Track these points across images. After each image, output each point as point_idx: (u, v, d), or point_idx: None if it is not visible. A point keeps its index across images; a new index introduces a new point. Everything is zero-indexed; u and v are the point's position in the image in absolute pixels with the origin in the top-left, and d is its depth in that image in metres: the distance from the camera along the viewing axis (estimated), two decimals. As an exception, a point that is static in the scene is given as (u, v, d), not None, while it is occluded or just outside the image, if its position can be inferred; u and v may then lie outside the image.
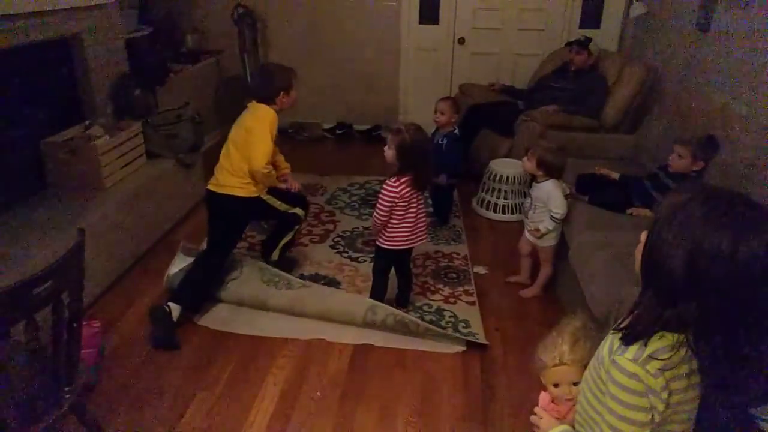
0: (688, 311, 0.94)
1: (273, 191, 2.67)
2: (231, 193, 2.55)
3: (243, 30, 4.66)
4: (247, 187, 2.55)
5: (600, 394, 1.05)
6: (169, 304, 2.42)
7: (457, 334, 2.41)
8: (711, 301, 0.93)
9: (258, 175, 2.51)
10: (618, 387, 1.00)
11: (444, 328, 2.50)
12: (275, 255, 2.82)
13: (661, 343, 0.97)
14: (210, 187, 2.63)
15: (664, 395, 0.97)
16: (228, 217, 2.63)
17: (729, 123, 2.61)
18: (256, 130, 2.51)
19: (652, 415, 0.99)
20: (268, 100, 2.59)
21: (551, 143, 2.67)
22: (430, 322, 2.54)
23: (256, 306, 2.61)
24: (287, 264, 2.89)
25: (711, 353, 0.94)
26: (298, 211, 2.76)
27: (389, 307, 2.45)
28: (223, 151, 2.63)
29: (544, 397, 1.40)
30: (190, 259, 2.66)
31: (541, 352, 1.37)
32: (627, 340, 1.01)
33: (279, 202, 2.68)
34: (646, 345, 0.98)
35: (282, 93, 2.59)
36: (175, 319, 2.40)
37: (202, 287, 2.57)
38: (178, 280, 2.57)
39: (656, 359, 0.96)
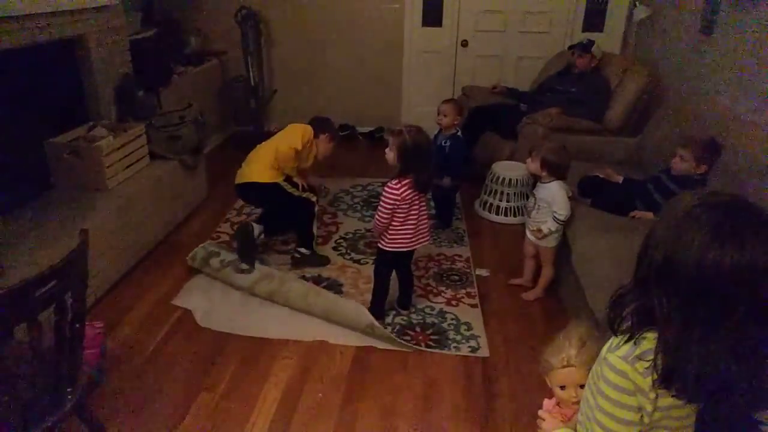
0: (656, 300, 0.96)
1: (288, 181, 3.03)
2: (251, 180, 2.94)
3: (246, 32, 4.67)
4: (267, 172, 2.93)
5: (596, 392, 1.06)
6: (253, 224, 2.92)
7: (458, 353, 2.38)
8: (678, 296, 0.94)
9: (280, 156, 2.92)
10: (607, 384, 1.00)
11: (445, 330, 2.50)
12: (314, 245, 3.04)
13: (652, 344, 0.98)
14: (236, 181, 3.02)
15: (652, 395, 0.97)
16: (259, 200, 3.12)
17: (733, 126, 2.60)
18: (289, 131, 3.03)
19: (641, 416, 0.99)
20: (314, 130, 3.09)
21: (555, 143, 2.67)
22: (432, 324, 2.55)
23: (274, 286, 2.67)
24: (322, 261, 3.03)
25: (672, 345, 0.94)
26: (309, 195, 3.03)
27: (386, 331, 2.43)
28: (259, 148, 3.04)
29: (548, 401, 1.40)
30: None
31: (548, 354, 1.37)
32: (614, 331, 1.03)
33: (293, 188, 3.01)
34: (636, 344, 0.99)
35: (327, 134, 3.13)
36: (256, 238, 2.90)
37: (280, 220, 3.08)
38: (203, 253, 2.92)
39: (644, 360, 0.97)
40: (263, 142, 3.08)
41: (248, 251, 2.85)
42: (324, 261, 3.04)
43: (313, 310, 2.57)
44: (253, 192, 3.00)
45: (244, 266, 2.79)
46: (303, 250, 3.02)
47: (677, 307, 0.94)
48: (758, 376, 0.94)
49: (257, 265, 2.83)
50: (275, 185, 2.95)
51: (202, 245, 2.96)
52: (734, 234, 0.89)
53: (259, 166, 2.95)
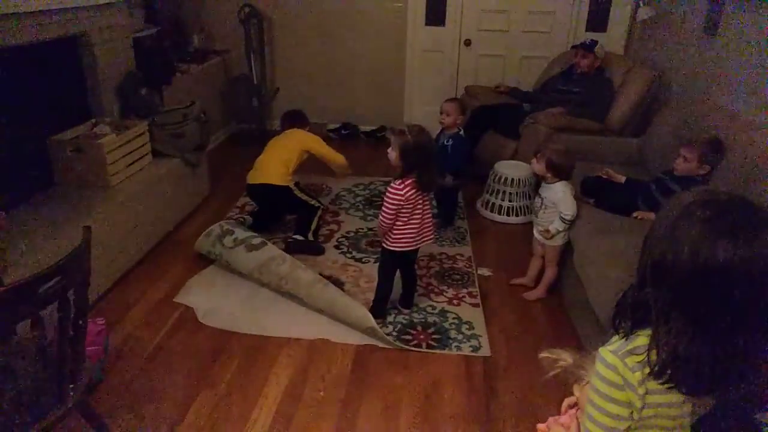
0: (652, 297, 0.96)
1: (297, 186, 3.28)
2: (267, 182, 3.16)
3: (249, 30, 4.67)
4: (281, 177, 3.17)
5: None
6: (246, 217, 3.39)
7: (460, 352, 2.39)
8: (672, 292, 0.94)
9: (338, 161, 3.44)
10: (598, 378, 1.01)
11: (447, 330, 2.50)
12: (309, 236, 3.17)
13: (645, 340, 0.98)
14: (250, 181, 3.24)
15: (641, 390, 0.98)
16: (268, 201, 3.29)
17: (736, 127, 2.60)
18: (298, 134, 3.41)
19: (631, 412, 0.99)
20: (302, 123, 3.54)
21: (560, 145, 2.67)
22: (434, 324, 2.55)
23: (284, 270, 2.68)
24: (317, 248, 3.13)
25: (666, 340, 0.94)
26: (315, 203, 3.27)
27: (387, 337, 2.42)
28: (269, 152, 3.29)
29: (554, 420, 1.39)
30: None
31: (584, 363, 1.36)
32: (615, 329, 1.04)
33: (301, 193, 3.24)
34: (628, 340, 1.00)
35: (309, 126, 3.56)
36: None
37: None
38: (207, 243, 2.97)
39: (635, 354, 0.97)
40: (272, 144, 3.32)
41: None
42: (319, 249, 3.11)
43: (317, 303, 2.57)
44: (266, 193, 3.21)
45: (257, 241, 2.83)
46: (298, 237, 3.12)
47: (671, 303, 0.94)
48: (754, 374, 0.95)
49: (270, 245, 2.84)
50: (287, 189, 3.19)
51: (218, 223, 2.99)
52: (728, 230, 0.89)
53: (275, 170, 3.18)
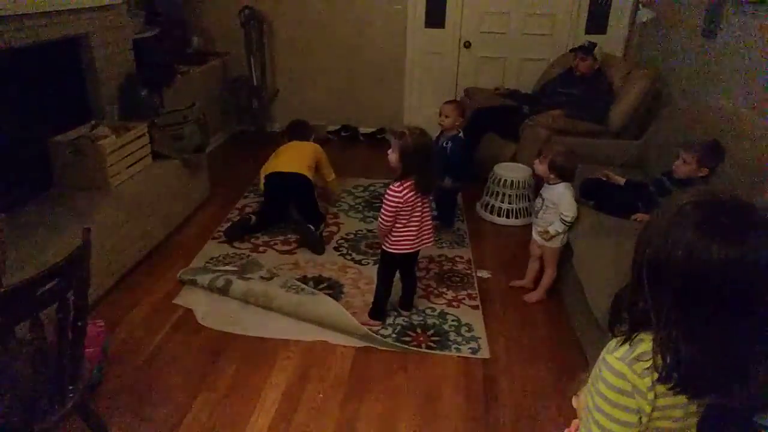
0: (650, 299, 0.95)
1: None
2: (299, 171, 3.29)
3: (249, 32, 4.68)
4: (309, 172, 3.36)
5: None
6: (251, 215, 3.41)
7: (459, 354, 2.39)
8: (670, 294, 0.93)
9: (333, 182, 3.67)
10: (606, 385, 1.00)
11: (446, 332, 2.50)
12: (320, 230, 3.28)
13: (649, 345, 0.98)
14: (278, 169, 3.32)
15: (650, 396, 0.97)
16: (292, 191, 3.34)
17: (735, 130, 2.60)
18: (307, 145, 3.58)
19: (639, 417, 0.99)
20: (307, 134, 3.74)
21: (563, 146, 2.68)
22: (433, 326, 2.55)
23: (261, 303, 2.62)
24: (321, 246, 3.18)
25: (667, 343, 0.93)
26: (323, 212, 3.48)
27: (383, 339, 2.42)
28: (291, 154, 3.42)
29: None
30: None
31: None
32: (612, 332, 1.04)
33: (317, 198, 3.43)
34: (632, 345, 0.99)
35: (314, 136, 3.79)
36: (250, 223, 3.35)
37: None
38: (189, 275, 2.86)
39: (642, 361, 0.97)
40: (290, 149, 3.45)
41: (235, 231, 3.24)
42: (320, 247, 3.14)
43: (308, 320, 2.55)
44: (291, 183, 3.29)
45: (221, 283, 2.71)
46: (311, 227, 3.21)
47: (669, 304, 0.93)
48: (755, 375, 0.94)
49: (236, 281, 2.72)
50: (312, 184, 3.35)
51: (178, 276, 2.83)
52: (723, 230, 0.89)
53: (305, 166, 3.34)
